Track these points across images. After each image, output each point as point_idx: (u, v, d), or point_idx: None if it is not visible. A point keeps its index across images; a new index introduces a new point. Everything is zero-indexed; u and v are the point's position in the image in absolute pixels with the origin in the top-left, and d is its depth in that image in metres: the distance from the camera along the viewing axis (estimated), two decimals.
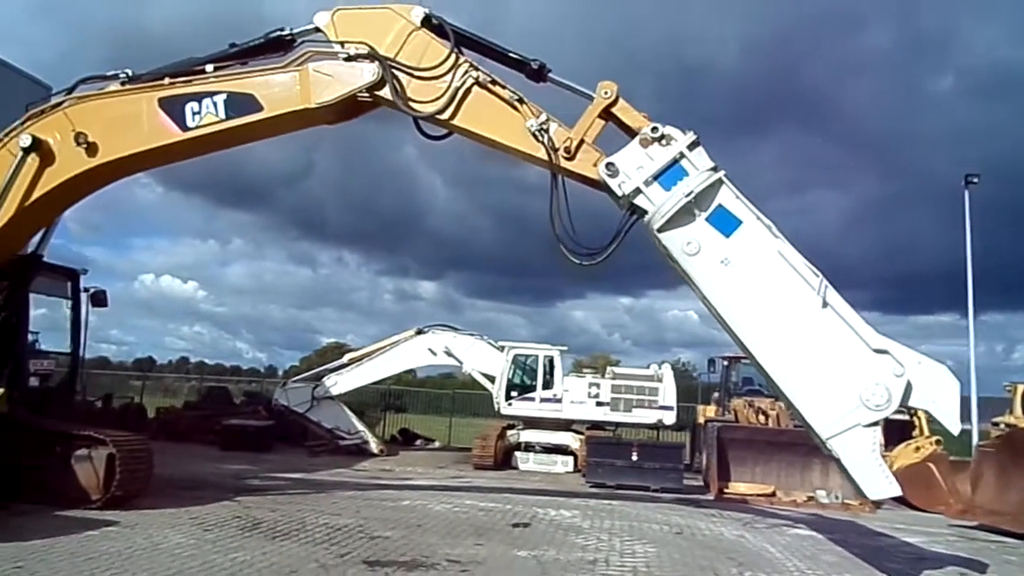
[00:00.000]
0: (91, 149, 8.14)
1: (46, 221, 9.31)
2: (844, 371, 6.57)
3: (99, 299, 11.31)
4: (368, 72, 7.78)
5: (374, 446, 19.61)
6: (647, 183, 7.06)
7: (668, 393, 18.40)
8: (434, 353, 19.71)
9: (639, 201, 7.12)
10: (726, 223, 6.98)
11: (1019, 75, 71.06)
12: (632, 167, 7.14)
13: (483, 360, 19.46)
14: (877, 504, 13.79)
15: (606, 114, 7.55)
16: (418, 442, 24.28)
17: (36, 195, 8.26)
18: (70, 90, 8.53)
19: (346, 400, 20.66)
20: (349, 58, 7.81)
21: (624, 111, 7.48)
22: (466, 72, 7.76)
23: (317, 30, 8.12)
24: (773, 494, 14.31)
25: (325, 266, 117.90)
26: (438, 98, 7.75)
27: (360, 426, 20.12)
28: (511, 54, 8.14)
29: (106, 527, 7.88)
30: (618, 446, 15.84)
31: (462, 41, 7.93)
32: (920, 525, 12.28)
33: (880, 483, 6.53)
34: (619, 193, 7.19)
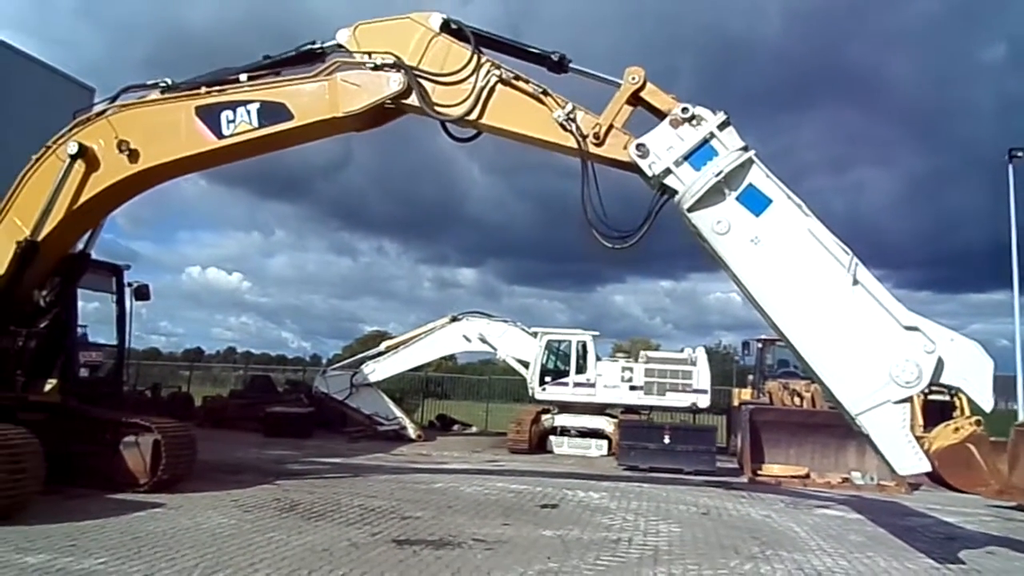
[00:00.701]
0: (133, 156, 8.49)
1: (93, 223, 9.72)
2: (874, 348, 6.62)
3: (142, 293, 11.81)
4: (394, 82, 7.98)
5: (411, 431, 20.02)
6: (677, 163, 7.17)
7: (702, 376, 18.43)
8: (468, 340, 20.04)
9: (669, 181, 7.23)
10: (756, 202, 7.05)
11: None
12: (662, 147, 7.25)
13: (517, 346, 19.73)
14: (914, 485, 13.70)
15: (634, 99, 7.65)
16: (455, 427, 24.70)
17: (83, 199, 8.67)
18: (113, 98, 8.91)
19: (385, 387, 21.14)
20: (376, 68, 8.00)
21: (653, 94, 7.57)
22: (489, 71, 7.91)
23: (340, 47, 8.33)
24: (807, 476, 14.27)
25: (365, 255, 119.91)
26: (464, 100, 7.92)
27: (398, 412, 20.57)
28: (531, 49, 8.27)
29: (153, 509, 8.31)
30: (650, 429, 15.92)
31: (482, 42, 8.07)
32: (956, 506, 12.16)
33: (909, 459, 6.58)
34: (649, 173, 7.31)
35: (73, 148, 8.51)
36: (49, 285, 9.32)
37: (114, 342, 11.61)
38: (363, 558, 6.62)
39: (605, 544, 7.75)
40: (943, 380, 6.75)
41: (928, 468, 6.93)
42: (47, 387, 9.57)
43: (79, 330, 10.79)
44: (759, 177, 7.09)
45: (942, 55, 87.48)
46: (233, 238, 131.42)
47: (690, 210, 7.11)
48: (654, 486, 12.55)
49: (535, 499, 10.55)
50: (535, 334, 19.39)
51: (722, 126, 7.16)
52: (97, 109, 8.94)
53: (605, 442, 18.25)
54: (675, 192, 7.22)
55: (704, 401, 18.37)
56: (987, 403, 6.72)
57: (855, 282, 6.73)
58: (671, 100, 7.42)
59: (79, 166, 8.57)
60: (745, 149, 7.10)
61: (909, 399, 6.65)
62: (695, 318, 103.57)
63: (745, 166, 7.07)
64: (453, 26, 8.11)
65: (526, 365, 19.18)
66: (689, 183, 7.08)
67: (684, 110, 7.22)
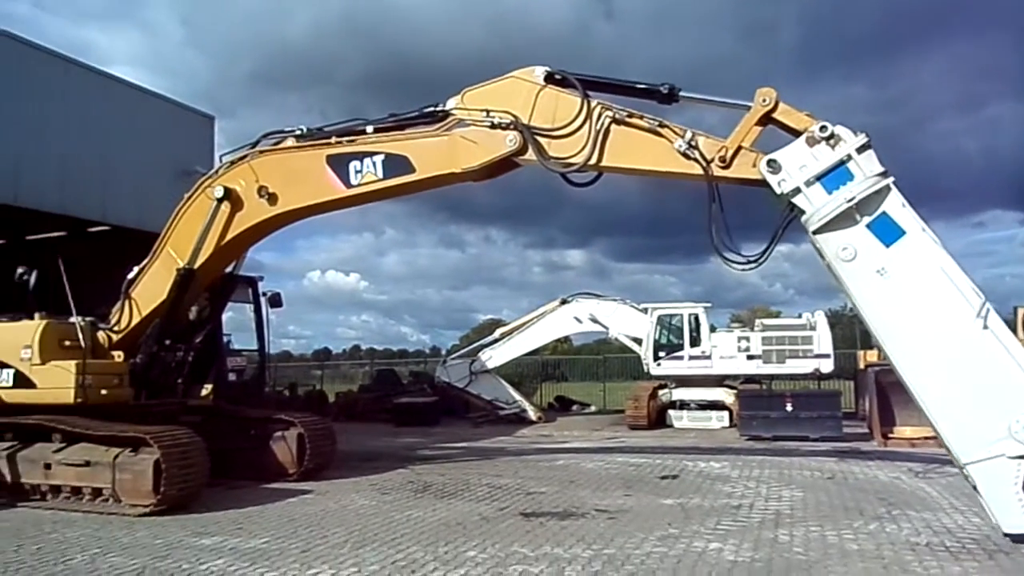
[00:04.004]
0: (272, 199, 9.21)
1: (239, 254, 10.62)
2: (996, 399, 6.23)
3: (276, 301, 12.83)
4: (510, 140, 8.13)
5: (532, 414, 20.60)
6: (808, 183, 6.91)
7: (823, 341, 17.95)
8: (579, 321, 20.37)
9: (798, 200, 7.00)
10: (888, 232, 6.71)
11: None
12: (795, 166, 7.02)
13: (628, 323, 19.88)
14: None
15: (765, 119, 7.45)
16: (574, 408, 25.10)
17: (229, 236, 9.49)
18: (254, 144, 9.60)
19: (503, 372, 21.82)
20: (493, 126, 8.23)
21: (786, 114, 7.32)
22: (601, 114, 7.90)
23: (449, 114, 8.56)
24: None
25: (473, 245, 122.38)
26: (582, 148, 7.93)
27: (517, 396, 21.20)
28: (639, 85, 8.18)
29: (303, 495, 9.19)
30: (771, 398, 15.76)
31: (588, 86, 8.06)
32: None
33: (1017, 517, 6.14)
34: (778, 191, 7.10)
35: (219, 192, 9.32)
36: (201, 304, 10.33)
37: (253, 347, 12.72)
38: (493, 530, 7.12)
39: (726, 510, 7.91)
40: None
41: None
42: (203, 392, 10.70)
43: (224, 338, 11.92)
44: (895, 206, 6.71)
45: None
46: (347, 241, 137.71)
47: (816, 232, 6.90)
48: (778, 455, 12.46)
49: (655, 471, 10.79)
50: (646, 310, 19.46)
51: (861, 148, 6.82)
52: (240, 153, 9.63)
53: (726, 413, 18.13)
54: (803, 212, 6.99)
55: (827, 366, 17.89)
56: None
57: (985, 327, 6.31)
58: (807, 118, 7.16)
59: (225, 207, 9.37)
60: (884, 175, 6.76)
61: None
62: (818, 281, 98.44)
63: (881, 193, 6.71)
64: (557, 76, 8.18)
65: (639, 342, 19.29)
66: (818, 205, 6.83)
67: (822, 128, 6.92)
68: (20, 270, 9.37)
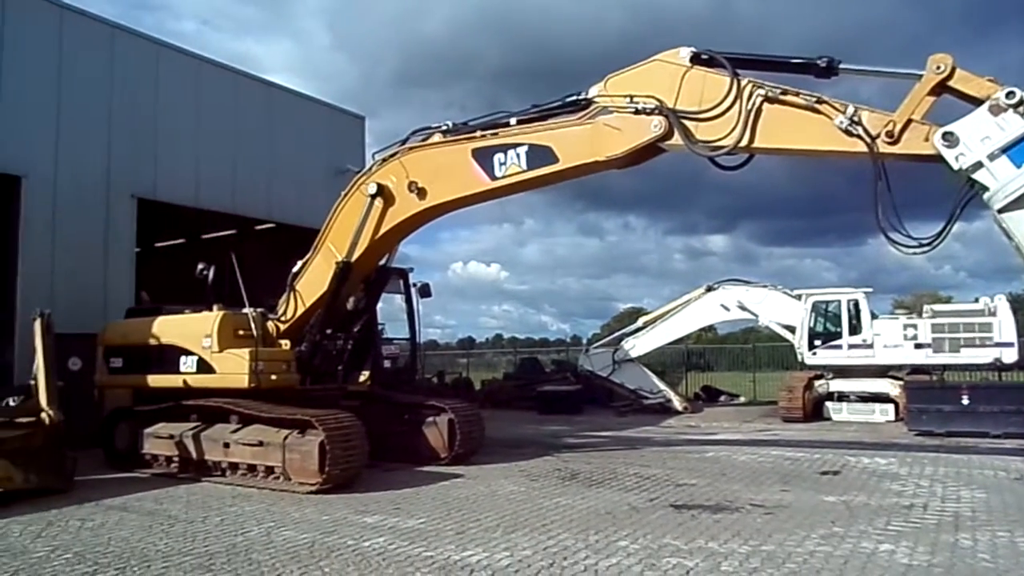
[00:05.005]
0: (421, 194, 9.54)
1: (390, 248, 11.07)
2: None
3: (425, 291, 13.30)
4: (655, 126, 7.92)
5: (677, 404, 20.13)
6: (992, 156, 6.34)
7: (1005, 328, 16.27)
8: (727, 309, 19.66)
9: (980, 176, 6.42)
10: None
11: None
12: (976, 138, 6.43)
13: (779, 311, 18.98)
14: None
15: (938, 88, 6.85)
16: (722, 398, 24.27)
17: (383, 230, 9.95)
18: (403, 140, 9.95)
19: (646, 361, 21.47)
20: (637, 112, 8.04)
21: (965, 81, 6.70)
22: (752, 93, 7.54)
23: (592, 102, 8.45)
24: None
25: (612, 233, 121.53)
26: (732, 130, 7.59)
27: (662, 385, 20.79)
28: (793, 60, 7.74)
29: (454, 479, 9.47)
30: (944, 390, 14.51)
31: (737, 64, 7.71)
32: None
33: None
34: (955, 167, 6.54)
35: (373, 188, 9.79)
36: (358, 295, 10.91)
37: (405, 336, 13.25)
38: (644, 520, 7.00)
39: (896, 510, 7.35)
40: None
41: None
42: (361, 378, 11.28)
43: (379, 327, 12.52)
44: None
45: None
46: (487, 232, 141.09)
47: (1002, 211, 6.28)
48: (952, 452, 11.45)
49: (814, 466, 10.22)
50: (799, 296, 18.49)
51: None
52: (391, 150, 10.03)
53: (891, 406, 16.88)
54: (986, 189, 6.39)
55: (1010, 355, 16.19)
56: None
57: None
58: (990, 84, 6.53)
59: (378, 202, 9.82)
60: None
61: None
62: (995, 262, 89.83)
63: None
64: (704, 56, 7.87)
65: (791, 330, 18.37)
66: (1005, 181, 6.24)
67: (1009, 95, 6.30)
68: (200, 266, 10.25)
